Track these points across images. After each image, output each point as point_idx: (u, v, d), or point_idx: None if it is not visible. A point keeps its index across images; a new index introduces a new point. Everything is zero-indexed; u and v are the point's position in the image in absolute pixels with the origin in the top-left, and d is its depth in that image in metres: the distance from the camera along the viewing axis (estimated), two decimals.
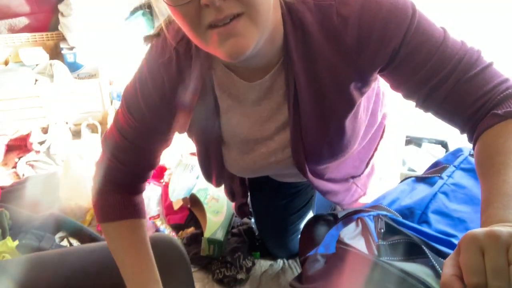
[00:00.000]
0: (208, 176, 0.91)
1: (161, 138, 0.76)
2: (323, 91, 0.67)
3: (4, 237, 1.03)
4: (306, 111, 0.69)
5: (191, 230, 1.26)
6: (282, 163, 0.80)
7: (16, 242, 1.00)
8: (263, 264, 1.24)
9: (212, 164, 0.84)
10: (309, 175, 0.83)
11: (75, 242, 1.14)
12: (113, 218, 0.78)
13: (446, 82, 0.61)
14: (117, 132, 0.75)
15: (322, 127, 0.72)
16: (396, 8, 0.60)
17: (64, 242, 1.14)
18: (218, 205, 1.26)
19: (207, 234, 1.16)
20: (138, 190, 0.82)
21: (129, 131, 0.74)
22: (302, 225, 1.12)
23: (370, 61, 0.63)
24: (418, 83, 0.63)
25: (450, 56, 0.61)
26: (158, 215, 1.34)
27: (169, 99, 0.70)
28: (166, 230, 1.27)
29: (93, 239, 1.15)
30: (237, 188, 1.01)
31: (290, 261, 1.25)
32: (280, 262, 1.25)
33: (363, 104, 0.75)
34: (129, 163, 0.76)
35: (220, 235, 1.17)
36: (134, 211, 0.79)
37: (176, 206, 1.31)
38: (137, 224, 0.79)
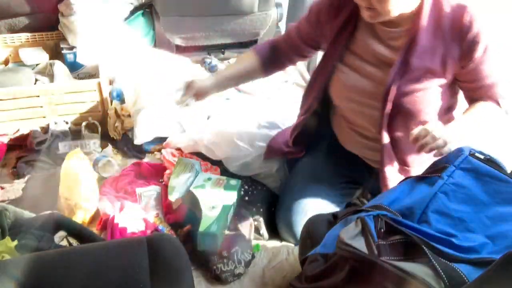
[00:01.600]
0: (305, 98, 1.31)
1: (311, 41, 1.23)
2: (429, 54, 1.02)
3: (3, 237, 1.03)
4: (412, 64, 1.03)
5: (187, 228, 1.26)
6: (371, 91, 1.10)
7: (15, 242, 1.00)
8: (265, 256, 1.23)
9: (318, 81, 1.22)
10: (387, 107, 1.07)
11: (74, 242, 1.14)
12: (254, 50, 1.31)
13: (480, 90, 1.07)
14: (296, 23, 1.25)
15: (415, 79, 1.04)
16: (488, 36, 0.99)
17: (64, 242, 1.14)
18: (214, 200, 1.26)
19: (201, 228, 1.16)
20: (279, 65, 1.34)
21: (301, 25, 1.23)
22: (318, 209, 1.20)
23: (461, 54, 1.02)
24: (469, 83, 1.08)
25: (492, 77, 1.05)
26: (157, 214, 1.34)
27: (330, 13, 1.14)
28: (165, 229, 1.27)
29: (92, 239, 1.14)
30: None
31: (295, 251, 1.24)
32: (284, 252, 1.24)
33: (449, 91, 1.10)
34: (288, 43, 1.28)
35: (214, 229, 1.16)
36: (264, 60, 1.28)
37: (175, 205, 1.31)
38: (257, 63, 1.29)
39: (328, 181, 1.31)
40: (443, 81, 1.05)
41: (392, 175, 1.15)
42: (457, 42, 1.00)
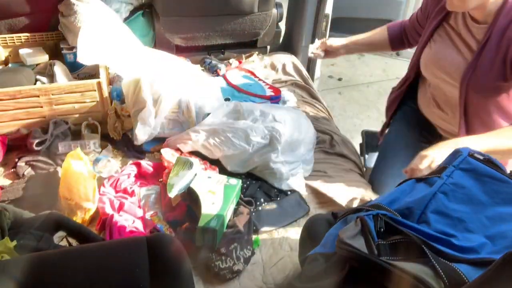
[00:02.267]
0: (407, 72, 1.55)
1: (419, 27, 1.50)
2: (503, 53, 1.13)
3: (3, 237, 1.02)
4: (483, 55, 1.17)
5: (186, 225, 1.26)
6: (454, 66, 1.26)
7: (14, 242, 0.99)
8: (264, 252, 1.22)
9: (416, 53, 1.43)
10: (463, 90, 1.22)
11: (74, 242, 1.14)
12: (387, 25, 1.62)
13: None
14: (416, 12, 1.52)
15: (491, 72, 1.16)
16: None
17: (63, 242, 1.14)
18: (214, 197, 1.26)
19: (201, 223, 1.16)
20: (403, 43, 1.61)
21: (420, 7, 1.48)
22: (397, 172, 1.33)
23: None
24: None
25: None
26: (156, 213, 1.34)
27: (432, 5, 1.39)
28: (164, 227, 1.27)
29: (92, 239, 1.14)
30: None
31: (294, 248, 1.24)
32: (285, 247, 1.23)
33: None
34: (411, 23, 1.54)
35: (214, 224, 1.16)
36: (393, 35, 1.61)
37: (174, 202, 1.31)
38: (386, 36, 1.62)
39: (409, 146, 1.50)
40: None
41: None
42: None
